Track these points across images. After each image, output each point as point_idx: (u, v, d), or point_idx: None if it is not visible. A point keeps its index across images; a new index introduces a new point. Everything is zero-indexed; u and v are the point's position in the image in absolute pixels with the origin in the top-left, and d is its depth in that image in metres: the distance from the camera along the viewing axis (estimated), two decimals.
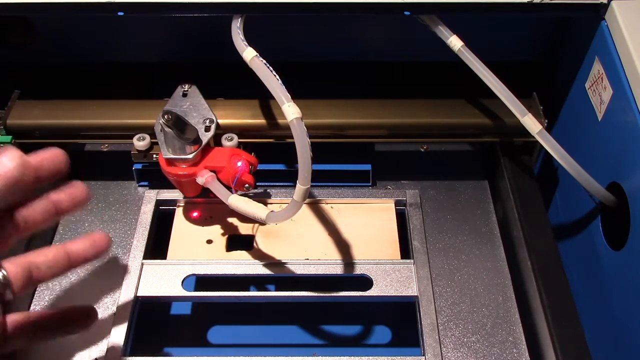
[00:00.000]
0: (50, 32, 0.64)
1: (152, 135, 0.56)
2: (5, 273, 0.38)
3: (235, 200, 0.51)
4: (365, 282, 0.54)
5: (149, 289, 0.53)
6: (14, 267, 0.38)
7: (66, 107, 0.59)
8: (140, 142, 0.56)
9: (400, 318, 0.61)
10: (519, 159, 0.60)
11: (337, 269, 0.54)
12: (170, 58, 0.67)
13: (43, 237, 0.57)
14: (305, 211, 0.59)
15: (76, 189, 0.40)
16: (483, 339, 0.52)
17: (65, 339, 0.50)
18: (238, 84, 0.56)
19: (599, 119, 0.54)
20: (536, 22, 0.63)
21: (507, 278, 0.56)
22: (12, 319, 0.39)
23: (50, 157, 0.38)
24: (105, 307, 0.53)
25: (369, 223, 0.58)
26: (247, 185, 0.53)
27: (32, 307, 0.53)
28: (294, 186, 0.46)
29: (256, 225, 0.58)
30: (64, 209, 0.39)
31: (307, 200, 0.54)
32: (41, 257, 0.39)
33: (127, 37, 0.65)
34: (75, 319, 0.42)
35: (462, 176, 0.64)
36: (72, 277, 0.55)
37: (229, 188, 0.53)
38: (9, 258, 0.39)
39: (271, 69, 0.48)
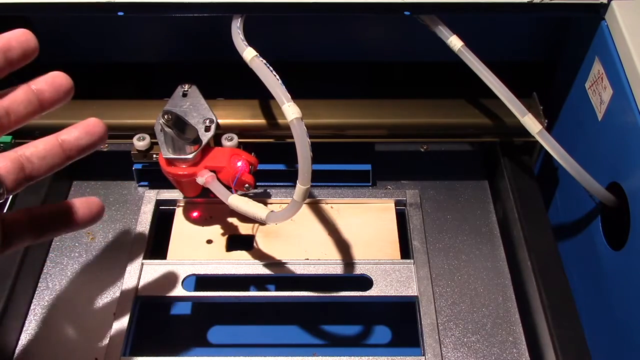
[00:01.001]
0: (50, 32, 0.64)
1: (152, 135, 0.56)
2: None
3: (235, 200, 0.50)
4: (365, 282, 0.54)
5: (149, 289, 0.53)
6: (3, 162, 0.34)
7: (66, 107, 0.58)
8: (140, 142, 0.56)
9: (400, 318, 0.61)
10: (519, 159, 0.60)
11: (337, 269, 0.54)
12: (170, 58, 0.67)
13: None
14: (305, 211, 0.59)
15: (57, 77, 0.36)
16: (483, 339, 0.52)
17: (65, 339, 0.51)
18: (238, 84, 0.56)
19: (599, 119, 0.54)
20: (536, 22, 0.63)
21: (507, 278, 0.56)
22: (11, 215, 0.36)
23: (17, 36, 0.34)
24: (105, 307, 0.53)
25: (369, 223, 0.58)
26: (247, 185, 0.53)
27: (32, 307, 0.53)
28: (294, 186, 0.46)
29: (256, 225, 0.58)
30: (47, 99, 0.36)
31: (307, 200, 0.54)
32: (31, 148, 0.36)
33: (127, 37, 0.65)
34: (81, 212, 0.38)
35: (462, 176, 0.64)
36: (73, 277, 0.55)
37: (229, 188, 0.53)
38: None
39: (271, 69, 0.48)
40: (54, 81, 0.36)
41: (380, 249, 0.56)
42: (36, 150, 0.36)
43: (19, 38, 0.35)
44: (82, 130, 0.38)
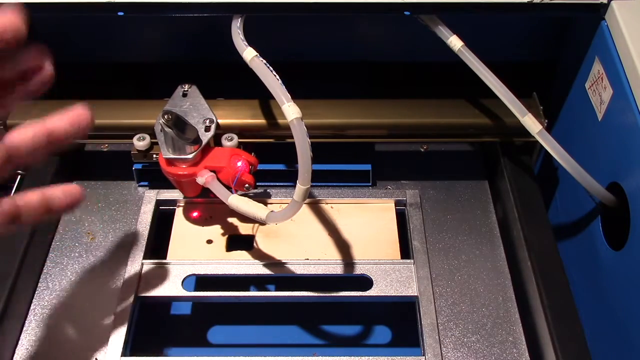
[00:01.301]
0: (50, 32, 0.64)
1: (152, 135, 0.56)
2: None
3: (235, 200, 0.51)
4: (365, 282, 0.54)
5: (149, 289, 0.53)
6: None
7: (66, 107, 0.59)
8: (140, 142, 0.56)
9: (400, 318, 0.61)
10: (519, 159, 0.60)
11: (337, 269, 0.54)
12: (170, 58, 0.67)
13: (42, 238, 0.57)
14: (305, 211, 0.59)
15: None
16: (483, 339, 0.52)
17: (65, 339, 0.51)
18: (238, 84, 0.56)
19: (599, 119, 0.54)
20: (536, 22, 0.63)
21: (507, 278, 0.56)
22: None
23: (8, 18, 0.35)
24: (105, 307, 0.53)
25: (369, 223, 0.58)
26: (247, 185, 0.53)
27: (32, 307, 0.53)
28: (294, 186, 0.46)
29: (256, 225, 0.58)
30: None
31: (307, 200, 0.54)
32: (19, 135, 0.37)
33: (127, 37, 0.65)
34: (61, 199, 0.39)
35: (462, 176, 0.64)
36: (73, 277, 0.55)
37: (229, 188, 0.53)
38: None
39: (271, 69, 0.48)
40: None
41: (380, 249, 0.56)
42: (24, 137, 0.37)
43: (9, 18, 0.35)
44: (69, 119, 0.40)
